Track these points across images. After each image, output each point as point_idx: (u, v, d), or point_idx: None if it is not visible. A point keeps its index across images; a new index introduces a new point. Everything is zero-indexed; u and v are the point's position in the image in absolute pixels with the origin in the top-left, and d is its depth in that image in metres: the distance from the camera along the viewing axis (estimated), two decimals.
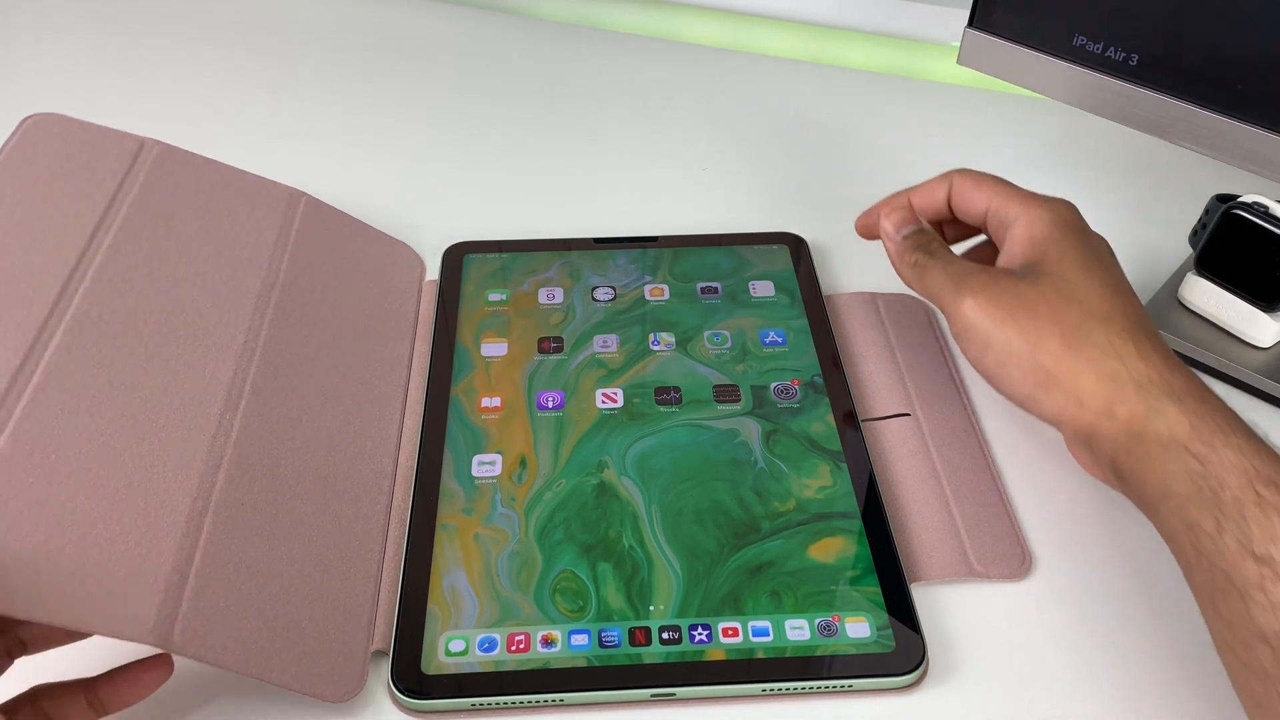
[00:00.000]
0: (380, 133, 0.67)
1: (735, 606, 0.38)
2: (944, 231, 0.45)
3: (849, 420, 0.45)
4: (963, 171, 0.43)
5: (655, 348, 0.49)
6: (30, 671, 0.33)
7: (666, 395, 0.47)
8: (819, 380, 0.47)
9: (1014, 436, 0.46)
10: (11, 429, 0.33)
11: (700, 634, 0.38)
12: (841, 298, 0.53)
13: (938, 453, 0.44)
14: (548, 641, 0.37)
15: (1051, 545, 0.42)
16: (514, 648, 0.37)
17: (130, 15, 0.79)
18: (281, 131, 0.66)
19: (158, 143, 0.45)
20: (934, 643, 0.38)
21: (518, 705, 0.36)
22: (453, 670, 0.37)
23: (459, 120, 0.68)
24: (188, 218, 0.44)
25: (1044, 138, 0.65)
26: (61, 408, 0.34)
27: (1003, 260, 0.40)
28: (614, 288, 0.52)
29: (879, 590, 0.39)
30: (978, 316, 0.37)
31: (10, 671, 0.32)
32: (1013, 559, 0.41)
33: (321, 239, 0.49)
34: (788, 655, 0.37)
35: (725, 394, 0.47)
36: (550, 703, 0.36)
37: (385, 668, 0.37)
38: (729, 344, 0.49)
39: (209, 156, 0.47)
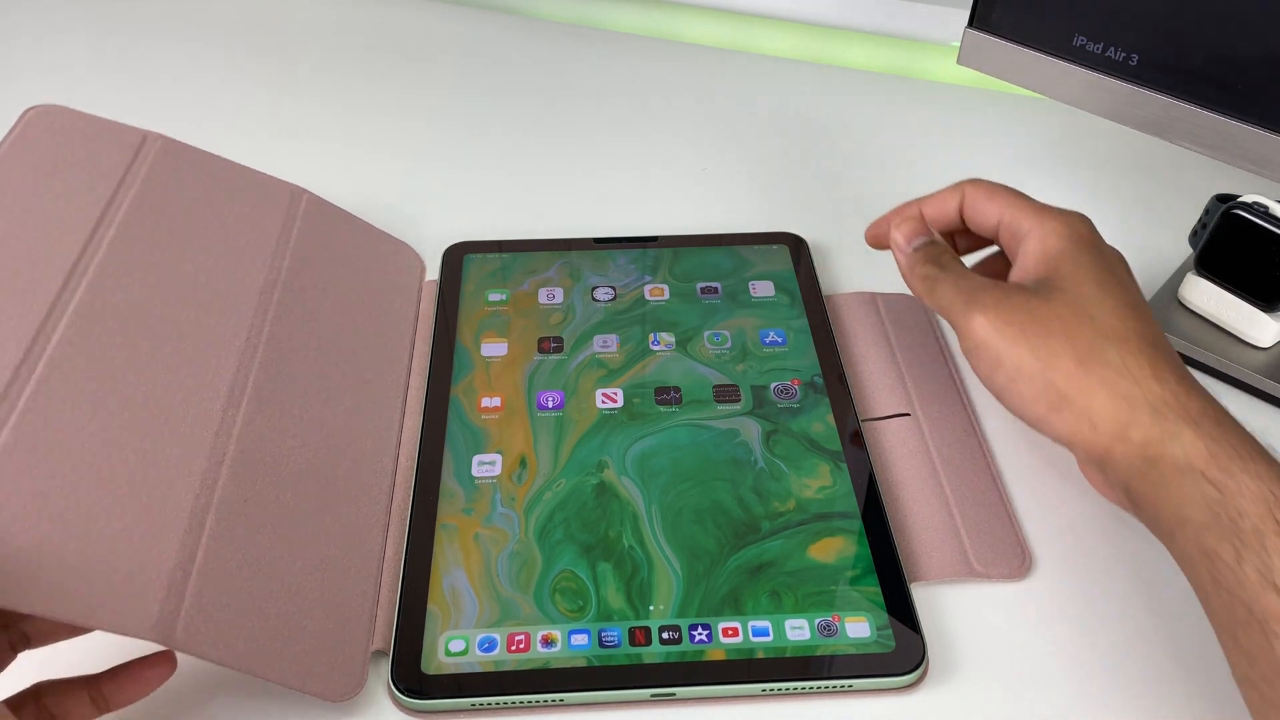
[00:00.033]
0: (380, 133, 0.67)
1: (735, 606, 0.38)
2: (956, 242, 0.44)
3: (849, 420, 0.45)
4: (975, 182, 0.42)
5: (655, 348, 0.49)
6: (33, 668, 0.33)
7: (666, 395, 0.47)
8: (819, 380, 0.47)
9: (1014, 436, 0.46)
10: (14, 422, 0.33)
11: (700, 634, 0.38)
12: (841, 298, 0.53)
13: (938, 453, 0.44)
14: (548, 641, 0.37)
15: (1051, 545, 0.42)
16: (514, 648, 0.37)
17: (130, 15, 0.79)
18: (281, 131, 0.66)
19: (160, 136, 0.45)
20: (934, 643, 0.38)
21: (518, 705, 0.36)
22: (453, 670, 0.37)
23: (459, 120, 0.68)
24: (190, 212, 0.43)
25: (1044, 138, 0.65)
26: (64, 402, 0.34)
27: (1015, 275, 0.39)
28: (614, 288, 0.52)
29: (879, 590, 0.39)
30: (989, 333, 0.36)
31: (13, 666, 0.33)
32: (1013, 559, 0.41)
33: (323, 237, 0.49)
34: (788, 655, 0.37)
35: (725, 394, 0.47)
36: (550, 703, 0.36)
37: (385, 668, 0.37)
38: (729, 344, 0.49)
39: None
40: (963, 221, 0.42)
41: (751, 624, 0.38)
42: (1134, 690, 0.37)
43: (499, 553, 0.40)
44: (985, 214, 0.41)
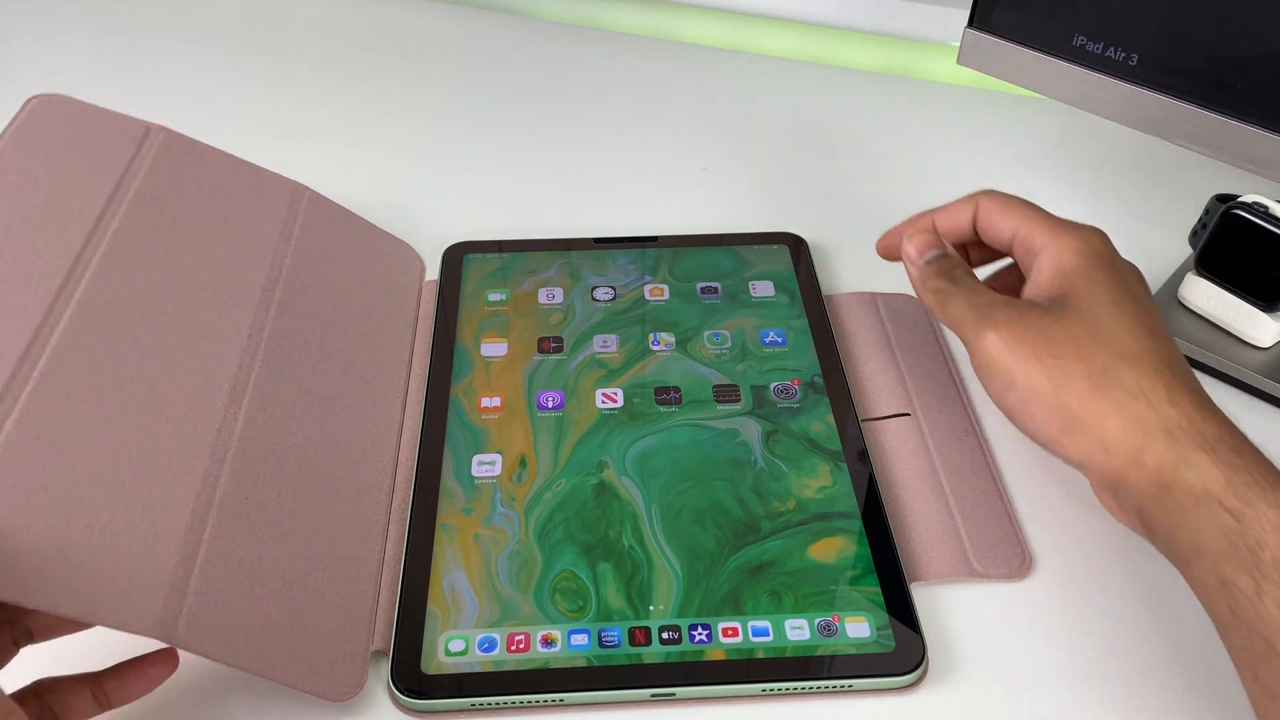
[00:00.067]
0: (380, 133, 0.67)
1: (735, 606, 0.38)
2: (969, 254, 0.43)
3: (849, 420, 0.45)
4: (989, 194, 0.41)
5: (655, 348, 0.49)
6: (35, 665, 0.33)
7: (666, 395, 0.47)
8: (819, 380, 0.47)
9: (1014, 437, 0.46)
10: (18, 415, 0.32)
11: (700, 634, 0.38)
12: (841, 298, 0.53)
13: (938, 453, 0.44)
14: (547, 641, 0.37)
15: (1051, 545, 0.42)
16: (514, 648, 0.37)
17: (130, 15, 0.79)
18: (281, 131, 0.66)
19: (163, 128, 0.45)
20: (934, 643, 0.38)
21: (518, 705, 0.36)
22: (452, 670, 0.37)
23: (459, 120, 0.68)
24: (193, 206, 0.43)
25: (1044, 138, 0.65)
26: (68, 395, 0.34)
27: (1029, 291, 0.38)
28: (614, 288, 0.52)
29: (879, 590, 0.39)
30: (1000, 352, 0.35)
31: (14, 664, 0.32)
32: (1013, 559, 0.41)
33: (324, 235, 0.49)
34: (788, 655, 0.37)
35: (725, 394, 0.47)
36: (550, 703, 0.36)
37: (385, 667, 0.37)
38: (729, 344, 0.49)
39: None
40: (976, 234, 0.41)
41: (751, 624, 0.38)
42: (1134, 690, 0.37)
43: (499, 553, 0.40)
44: (999, 227, 0.40)
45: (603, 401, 0.46)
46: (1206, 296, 0.49)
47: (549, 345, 0.49)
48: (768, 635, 0.38)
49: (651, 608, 0.38)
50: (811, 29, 0.76)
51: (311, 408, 0.42)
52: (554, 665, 0.37)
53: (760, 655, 0.37)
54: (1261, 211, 0.46)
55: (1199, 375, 0.36)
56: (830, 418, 0.45)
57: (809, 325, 0.50)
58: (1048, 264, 0.38)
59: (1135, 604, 0.40)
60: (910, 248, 0.41)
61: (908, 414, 0.46)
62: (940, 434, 0.45)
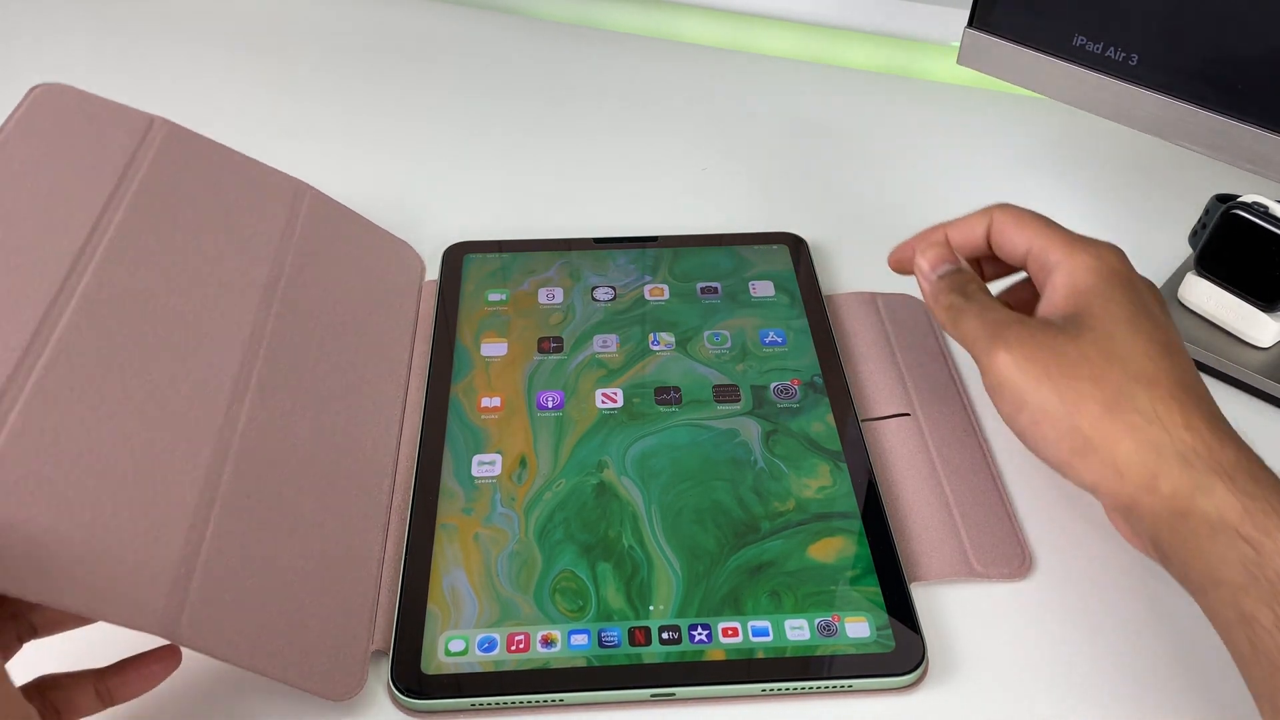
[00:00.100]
0: (380, 133, 0.67)
1: (735, 606, 0.38)
2: (983, 268, 0.42)
3: (849, 420, 0.45)
4: (1004, 208, 0.40)
5: (655, 348, 0.49)
6: (37, 662, 0.33)
7: (666, 395, 0.47)
8: (819, 380, 0.47)
9: (1014, 437, 0.46)
10: (22, 405, 0.32)
11: (700, 634, 0.38)
12: (841, 298, 0.53)
13: (938, 453, 0.44)
14: (547, 641, 0.37)
15: (1051, 545, 0.42)
16: (514, 648, 0.37)
17: (130, 15, 0.79)
18: (281, 131, 0.66)
19: (166, 121, 0.44)
20: (934, 643, 0.38)
21: (517, 705, 0.36)
22: (452, 670, 0.37)
23: (459, 120, 0.68)
24: (196, 200, 0.43)
25: (1044, 138, 0.65)
26: (72, 388, 0.34)
27: (1043, 309, 0.37)
28: (614, 288, 0.52)
29: (879, 590, 0.39)
30: (1012, 372, 0.34)
31: (17, 658, 0.32)
32: (1013, 559, 0.41)
33: (326, 233, 0.48)
34: (787, 655, 0.37)
35: (725, 394, 0.47)
36: (550, 703, 0.36)
37: (385, 667, 0.37)
38: (729, 344, 0.49)
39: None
40: (990, 248, 0.40)
41: (751, 624, 0.38)
42: (1134, 690, 0.37)
43: (499, 553, 0.40)
44: (1014, 242, 0.39)
45: (603, 401, 0.46)
46: (1206, 296, 0.49)
47: (549, 345, 0.49)
48: (768, 635, 0.38)
49: (651, 608, 0.38)
50: (811, 29, 0.76)
51: (312, 407, 0.42)
52: (554, 665, 0.37)
53: (760, 655, 0.37)
54: (1261, 211, 0.46)
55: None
56: (830, 418, 0.45)
57: (809, 325, 0.50)
58: (1062, 282, 0.37)
59: (1135, 604, 0.40)
60: (923, 262, 0.40)
61: (908, 414, 0.46)
62: (940, 434, 0.45)
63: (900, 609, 0.38)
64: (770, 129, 0.67)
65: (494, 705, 0.36)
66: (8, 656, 0.32)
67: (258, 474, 0.38)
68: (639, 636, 0.38)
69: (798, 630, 0.38)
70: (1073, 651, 0.38)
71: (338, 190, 0.53)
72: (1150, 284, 0.37)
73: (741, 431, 0.45)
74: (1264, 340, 0.48)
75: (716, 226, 0.57)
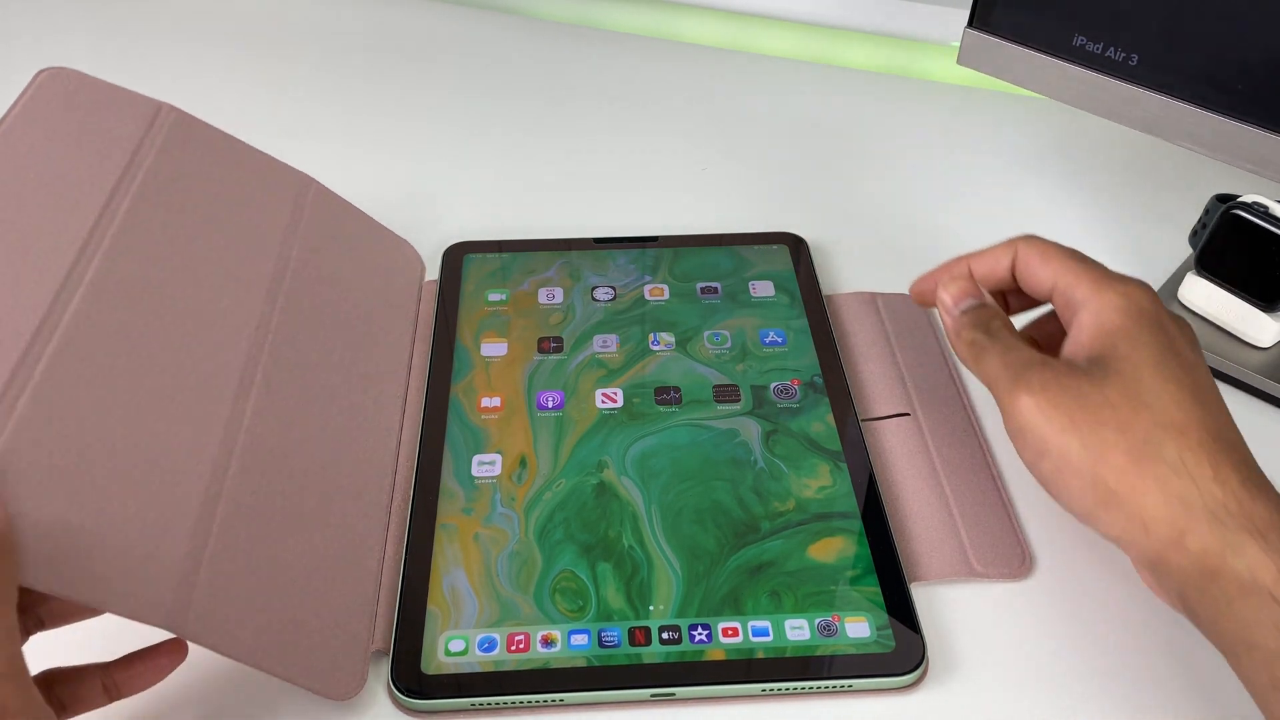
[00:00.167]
0: (380, 133, 0.67)
1: (735, 606, 0.38)
2: (1008, 300, 0.40)
3: (849, 420, 0.45)
4: (1029, 240, 0.38)
5: (655, 348, 0.49)
6: (44, 656, 0.33)
7: (666, 395, 0.47)
8: (819, 380, 0.47)
9: None
10: (31, 392, 0.31)
11: (700, 634, 0.38)
12: (841, 298, 0.53)
13: (938, 453, 0.44)
14: (547, 641, 0.37)
15: (1051, 545, 0.42)
16: (514, 648, 0.37)
17: (130, 15, 0.79)
18: (281, 131, 0.66)
19: (174, 108, 0.44)
20: (934, 643, 0.38)
21: (517, 705, 0.36)
22: (452, 670, 0.37)
23: (459, 120, 0.68)
24: (203, 190, 0.42)
25: (1044, 138, 0.65)
26: (80, 376, 0.33)
27: (1068, 349, 0.36)
28: (614, 288, 0.52)
29: (879, 590, 0.39)
30: (1035, 418, 0.33)
31: (25, 650, 0.32)
32: (1013, 559, 0.41)
33: (330, 229, 0.48)
34: (788, 655, 0.37)
35: (725, 394, 0.47)
36: (550, 703, 0.36)
37: (385, 667, 0.37)
38: (729, 344, 0.49)
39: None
40: (1015, 280, 0.39)
41: (751, 624, 0.38)
42: (1134, 690, 0.37)
43: (499, 553, 0.40)
44: (1039, 277, 0.37)
45: (603, 401, 0.46)
46: (1206, 296, 0.49)
47: (549, 345, 0.49)
48: (768, 635, 0.38)
49: (651, 608, 0.38)
50: (811, 29, 0.76)
51: (315, 405, 0.42)
52: (554, 665, 0.37)
53: (760, 655, 0.37)
54: (1261, 211, 0.46)
55: None
56: (830, 418, 0.45)
57: (809, 325, 0.50)
58: (1089, 321, 0.35)
59: (1135, 604, 0.40)
60: (946, 296, 0.38)
61: (907, 414, 0.46)
62: (940, 434, 0.45)
63: (900, 609, 0.38)
64: (770, 129, 0.67)
65: (494, 705, 0.36)
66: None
67: (262, 470, 0.37)
68: (639, 636, 0.38)
69: (798, 630, 0.38)
70: (1073, 651, 0.38)
71: (338, 190, 0.53)
72: (1182, 323, 0.36)
73: (741, 431, 0.45)
74: (1264, 340, 0.48)
75: (716, 226, 0.57)
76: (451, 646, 0.37)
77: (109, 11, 0.79)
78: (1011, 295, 0.40)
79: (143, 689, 0.34)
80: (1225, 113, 0.45)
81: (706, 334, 0.50)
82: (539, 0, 0.81)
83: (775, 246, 0.55)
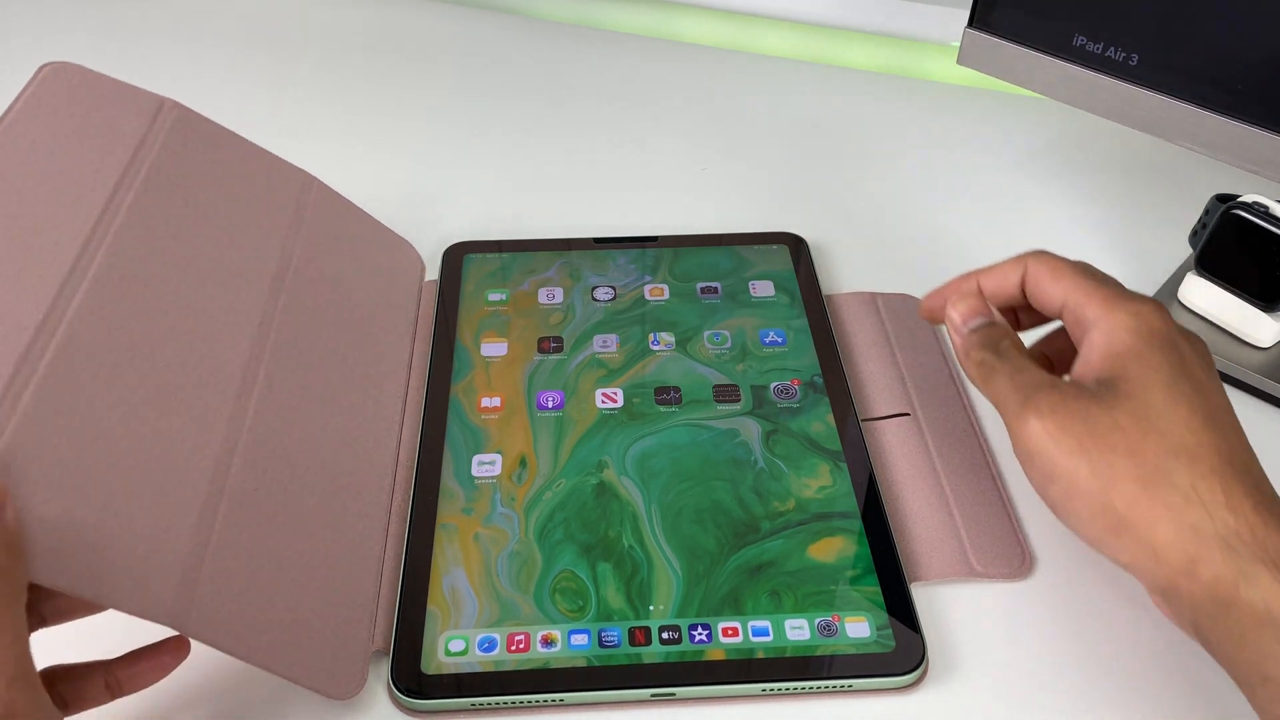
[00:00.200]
0: (380, 133, 0.67)
1: (735, 606, 0.38)
2: (1018, 317, 0.40)
3: (849, 420, 0.45)
4: (1039, 257, 0.37)
5: (655, 348, 0.49)
6: (42, 655, 0.33)
7: (666, 395, 0.47)
8: (819, 380, 0.47)
9: None
10: (36, 385, 0.31)
11: (700, 634, 0.38)
12: (841, 298, 0.53)
13: (938, 452, 0.44)
14: (547, 641, 0.37)
15: (1051, 545, 0.42)
16: (514, 648, 0.37)
17: (130, 15, 0.79)
18: (281, 131, 0.66)
19: (176, 104, 0.44)
20: (934, 643, 0.38)
21: (517, 705, 0.36)
22: (452, 670, 0.37)
23: (459, 120, 0.68)
24: (207, 186, 0.42)
25: (1044, 138, 0.65)
26: (85, 370, 0.33)
27: (1078, 370, 0.35)
28: (614, 288, 0.52)
29: (879, 590, 0.39)
30: (1043, 442, 0.32)
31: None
32: (1013, 559, 0.41)
33: (332, 227, 0.48)
34: (788, 655, 0.37)
35: (725, 394, 0.47)
36: (550, 703, 0.36)
37: (385, 667, 0.37)
38: (729, 344, 0.49)
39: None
40: (1025, 296, 0.38)
41: (751, 624, 0.38)
42: (1134, 690, 0.37)
43: (499, 553, 0.40)
44: (1049, 294, 0.36)
45: (603, 401, 0.46)
46: (1206, 296, 0.49)
47: (549, 345, 0.49)
48: (768, 635, 0.38)
49: (651, 608, 0.38)
50: (811, 29, 0.76)
51: (316, 404, 0.42)
52: (554, 665, 0.37)
53: (760, 655, 0.37)
54: (1261, 211, 0.46)
55: None
56: (830, 417, 0.45)
57: (809, 325, 0.50)
58: (1099, 342, 0.34)
59: (1135, 604, 0.40)
60: (954, 314, 0.38)
61: (907, 414, 0.46)
62: (940, 434, 0.45)
63: (900, 609, 0.38)
64: (770, 129, 0.67)
65: (494, 705, 0.36)
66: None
67: (265, 468, 0.37)
68: (639, 636, 0.38)
69: (798, 630, 0.38)
70: (1072, 651, 0.38)
71: (338, 190, 0.53)
72: (1196, 342, 0.35)
73: (741, 431, 0.45)
74: (1264, 340, 0.48)
75: (716, 226, 0.57)
76: (451, 646, 0.37)
77: (109, 11, 0.79)
78: (1022, 311, 0.39)
79: (145, 686, 0.34)
80: (1225, 113, 0.45)
81: (706, 334, 0.50)
82: (539, 0, 0.81)
83: (775, 246, 0.55)
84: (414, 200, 0.60)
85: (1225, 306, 0.48)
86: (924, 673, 0.37)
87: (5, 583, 0.27)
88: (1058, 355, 0.39)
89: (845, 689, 0.37)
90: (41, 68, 0.40)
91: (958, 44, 0.52)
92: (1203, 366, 0.34)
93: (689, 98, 0.70)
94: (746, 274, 0.53)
